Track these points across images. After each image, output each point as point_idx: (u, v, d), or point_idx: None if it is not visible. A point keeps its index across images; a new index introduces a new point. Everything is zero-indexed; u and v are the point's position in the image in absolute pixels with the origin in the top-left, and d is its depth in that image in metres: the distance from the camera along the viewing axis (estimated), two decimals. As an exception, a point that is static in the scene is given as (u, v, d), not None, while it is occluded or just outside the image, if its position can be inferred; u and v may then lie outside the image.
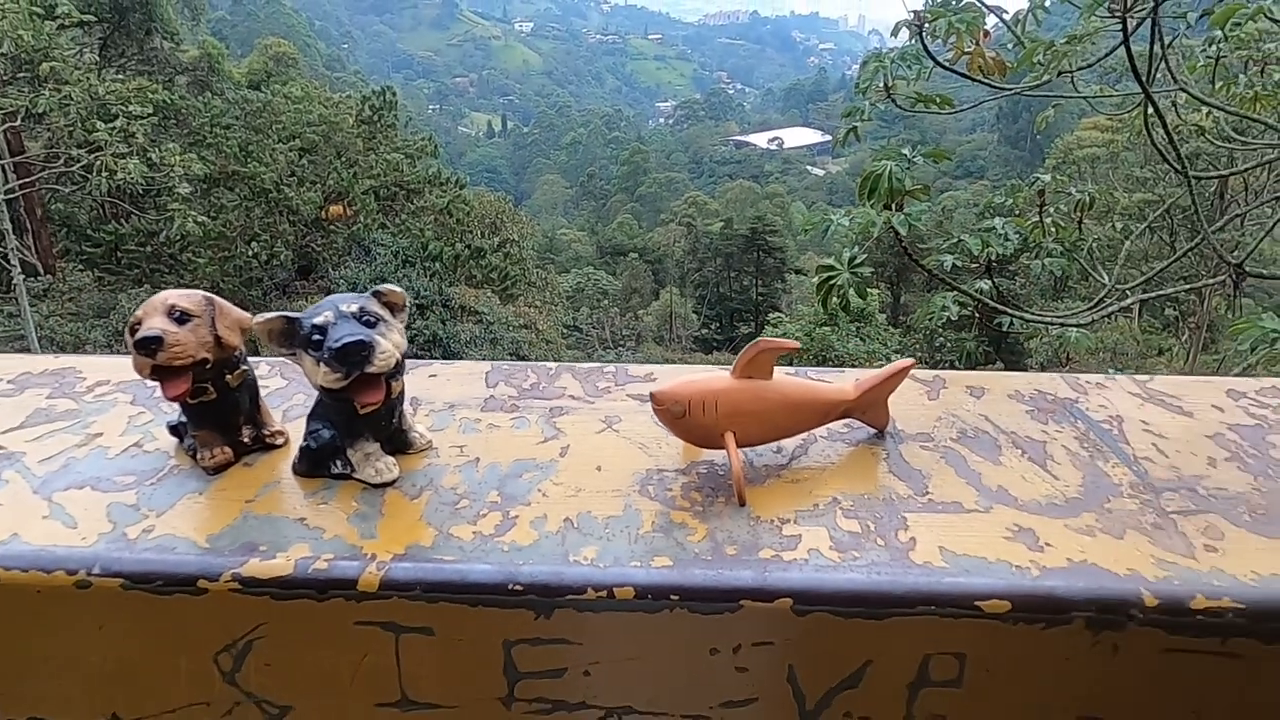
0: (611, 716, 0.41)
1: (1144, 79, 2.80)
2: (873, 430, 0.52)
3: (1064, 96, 3.48)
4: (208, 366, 0.45)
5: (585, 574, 0.40)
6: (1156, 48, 2.78)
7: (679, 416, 0.45)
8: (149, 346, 0.42)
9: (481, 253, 18.18)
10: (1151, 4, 2.65)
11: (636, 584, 0.40)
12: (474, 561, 0.41)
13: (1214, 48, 3.30)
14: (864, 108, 3.14)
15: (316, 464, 0.47)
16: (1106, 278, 3.82)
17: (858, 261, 2.84)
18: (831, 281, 2.83)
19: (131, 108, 12.53)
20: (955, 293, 3.31)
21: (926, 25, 2.87)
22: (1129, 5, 2.66)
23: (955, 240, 3.29)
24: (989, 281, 3.38)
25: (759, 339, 0.45)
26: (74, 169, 12.70)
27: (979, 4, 3.01)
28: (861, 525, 0.43)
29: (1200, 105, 3.60)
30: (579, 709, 0.41)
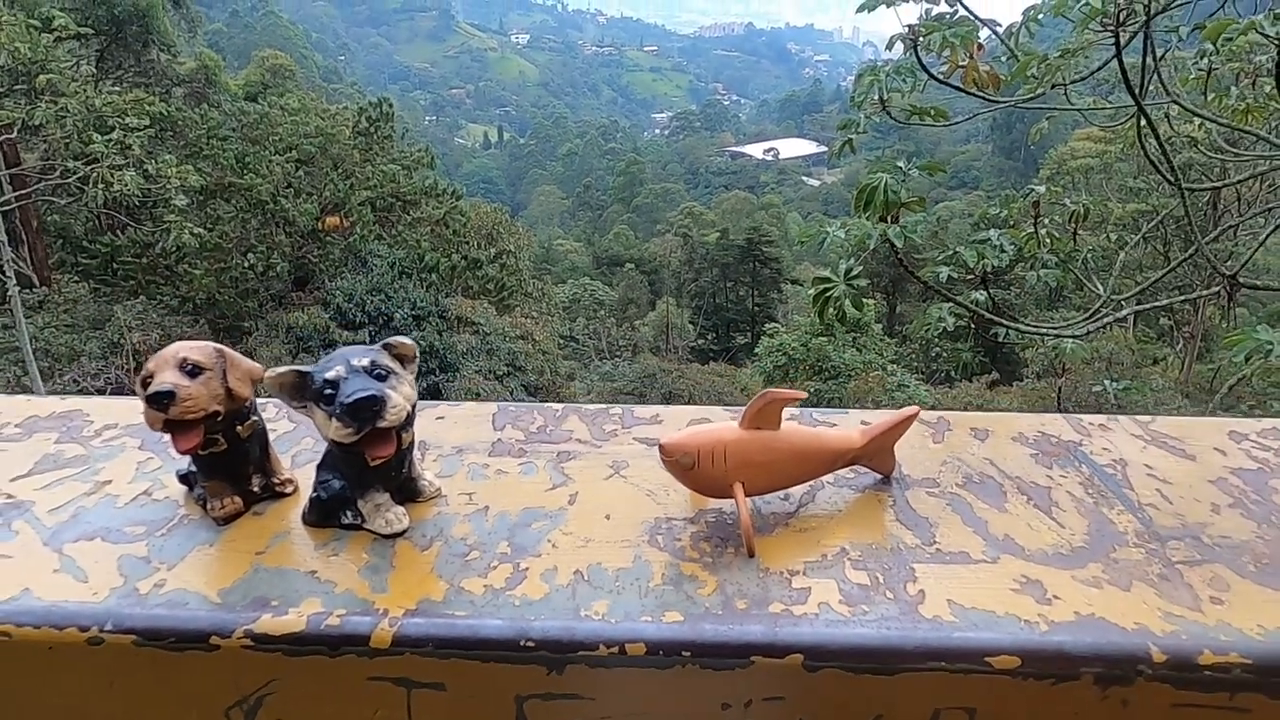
0: (623, 771, 0.41)
1: (1137, 91, 2.82)
2: (879, 476, 0.52)
3: (1058, 109, 3.50)
4: (219, 419, 0.45)
5: (596, 629, 0.40)
6: (1149, 60, 2.80)
7: (688, 468, 0.45)
8: (161, 402, 0.43)
9: (478, 264, 18.19)
10: (1144, 18, 2.67)
11: (648, 640, 0.40)
12: (485, 617, 0.41)
13: (1206, 60, 3.32)
14: (859, 120, 3.16)
15: (327, 515, 0.47)
16: (1101, 288, 3.84)
17: (854, 273, 2.85)
18: (828, 293, 2.83)
19: (128, 120, 12.53)
20: (951, 304, 3.32)
21: (921, 39, 2.89)
22: (1122, 19, 2.68)
23: (951, 252, 3.30)
24: (984, 292, 3.39)
25: (767, 390, 0.46)
26: (70, 181, 12.68)
27: (972, 17, 3.04)
28: (870, 577, 0.44)
29: (1193, 117, 3.63)
30: (590, 763, 0.41)
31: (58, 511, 0.48)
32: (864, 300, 3.03)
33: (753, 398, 0.47)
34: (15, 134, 12.63)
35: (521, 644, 0.40)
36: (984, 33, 3.13)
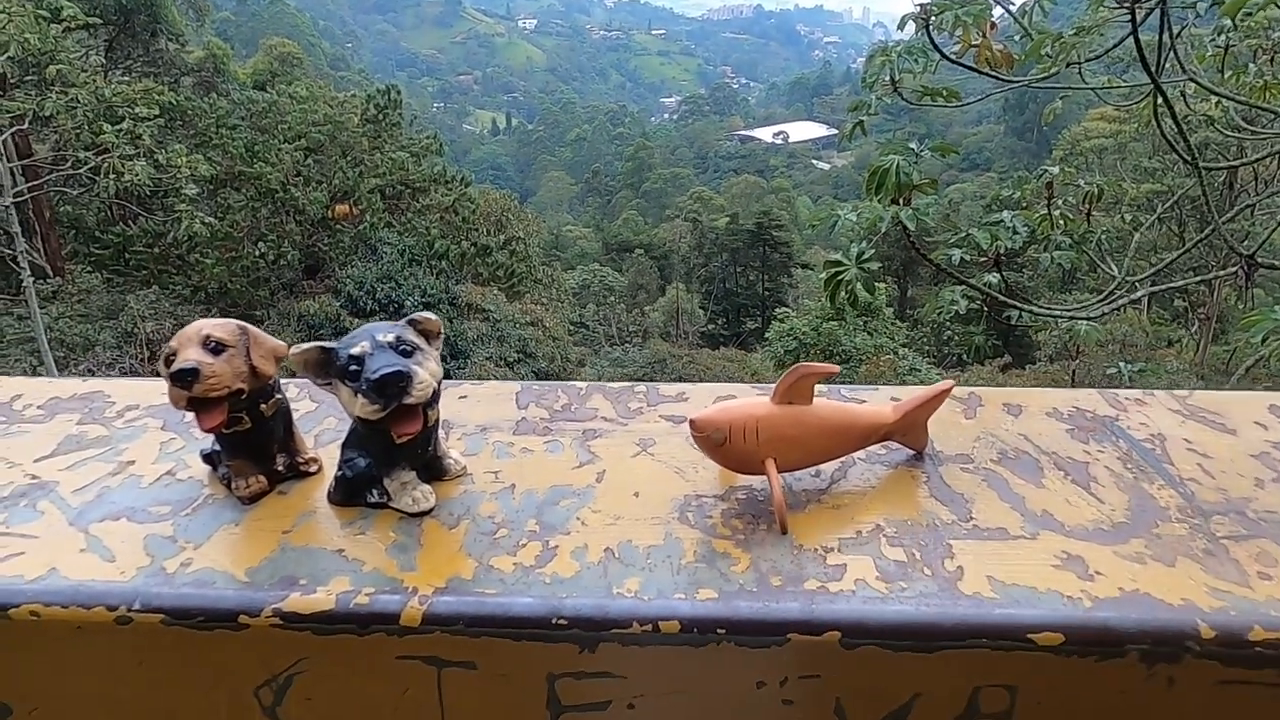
0: (656, 750, 0.41)
1: (1153, 69, 2.77)
2: (911, 452, 0.51)
3: (1072, 88, 3.45)
4: (243, 397, 0.44)
5: (629, 607, 0.40)
6: (1165, 37, 2.76)
7: (719, 444, 0.44)
8: (185, 379, 0.42)
9: (487, 250, 18.19)
10: (1160, -6, 2.62)
11: (682, 617, 0.39)
12: (516, 595, 0.40)
13: (1223, 37, 3.27)
14: (870, 102, 3.12)
15: (352, 493, 0.46)
16: (1116, 270, 3.80)
17: (865, 256, 2.82)
18: (839, 276, 2.81)
19: (138, 110, 12.56)
20: (963, 287, 3.29)
21: (933, 18, 2.85)
22: (1137, -5, 2.63)
23: (963, 234, 3.27)
24: (997, 275, 3.35)
25: (799, 364, 0.45)
26: (81, 171, 12.74)
27: (985, -5, 2.98)
28: (907, 554, 0.43)
29: (1209, 95, 3.57)
30: (623, 743, 0.40)
31: (82, 492, 0.48)
32: (875, 284, 3.00)
33: (784, 373, 0.46)
34: (27, 125, 12.67)
35: (554, 622, 0.39)
36: (997, 11, 3.09)
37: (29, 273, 12.41)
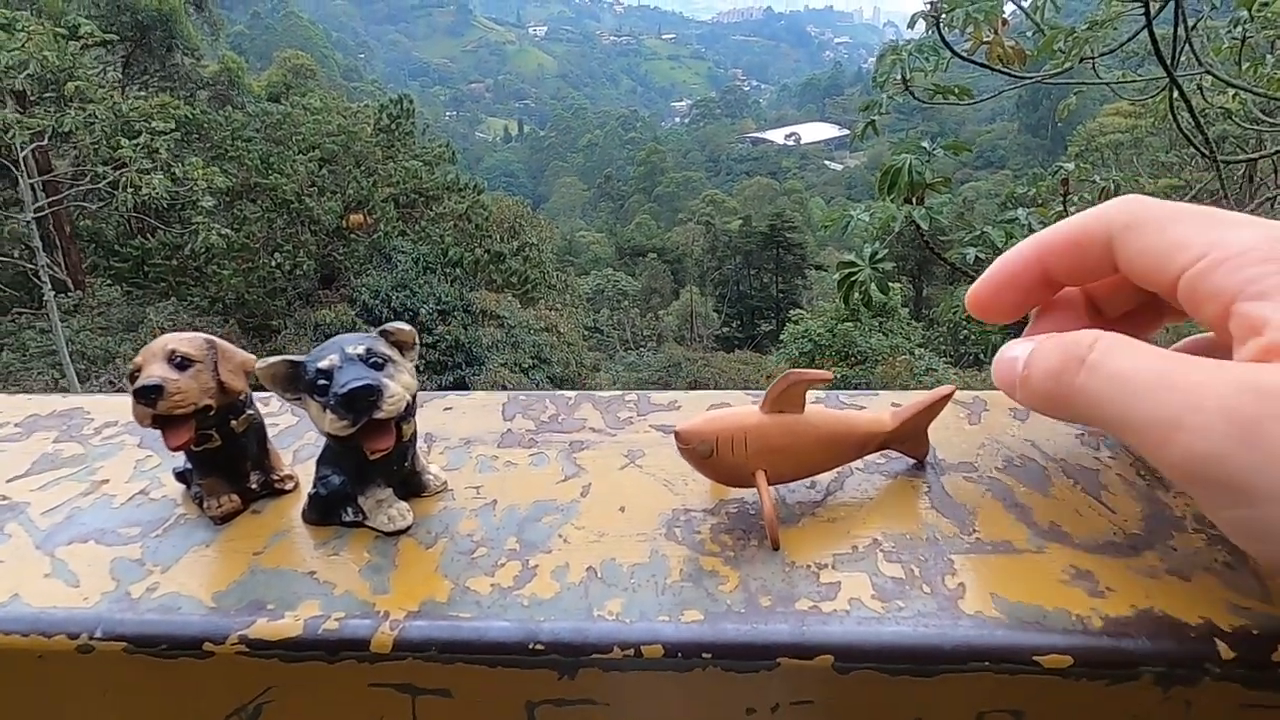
0: (642, 780, 0.39)
1: (1168, 62, 2.73)
2: (911, 461, 0.49)
3: (1086, 83, 3.41)
4: (211, 413, 0.43)
5: (610, 630, 0.38)
6: (1180, 30, 2.72)
7: (706, 456, 0.42)
8: (149, 396, 0.41)
9: (501, 257, 18.26)
10: (1174, -14, 2.58)
11: (665, 641, 0.37)
12: (492, 618, 0.38)
13: (1240, 29, 3.22)
14: (881, 101, 3.10)
15: (326, 512, 0.44)
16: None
17: (879, 257, 2.80)
18: (853, 277, 2.79)
19: (154, 124, 12.72)
20: (979, 286, 3.24)
21: (943, 16, 2.82)
22: (1151, -12, 2.59)
23: (978, 232, 3.24)
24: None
25: (790, 371, 0.43)
26: (100, 185, 12.92)
27: (996, -9, 2.95)
28: (905, 570, 0.40)
29: (1227, 87, 3.52)
30: (607, 772, 0.38)
31: (52, 513, 0.47)
32: (890, 284, 2.98)
33: (774, 380, 0.44)
34: (47, 141, 12.85)
35: (530, 647, 0.37)
36: (1009, 7, 3.06)
37: (50, 286, 12.57)
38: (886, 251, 2.77)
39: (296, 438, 0.54)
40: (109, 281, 14.83)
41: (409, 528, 0.44)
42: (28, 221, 11.77)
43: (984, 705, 0.37)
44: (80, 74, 12.16)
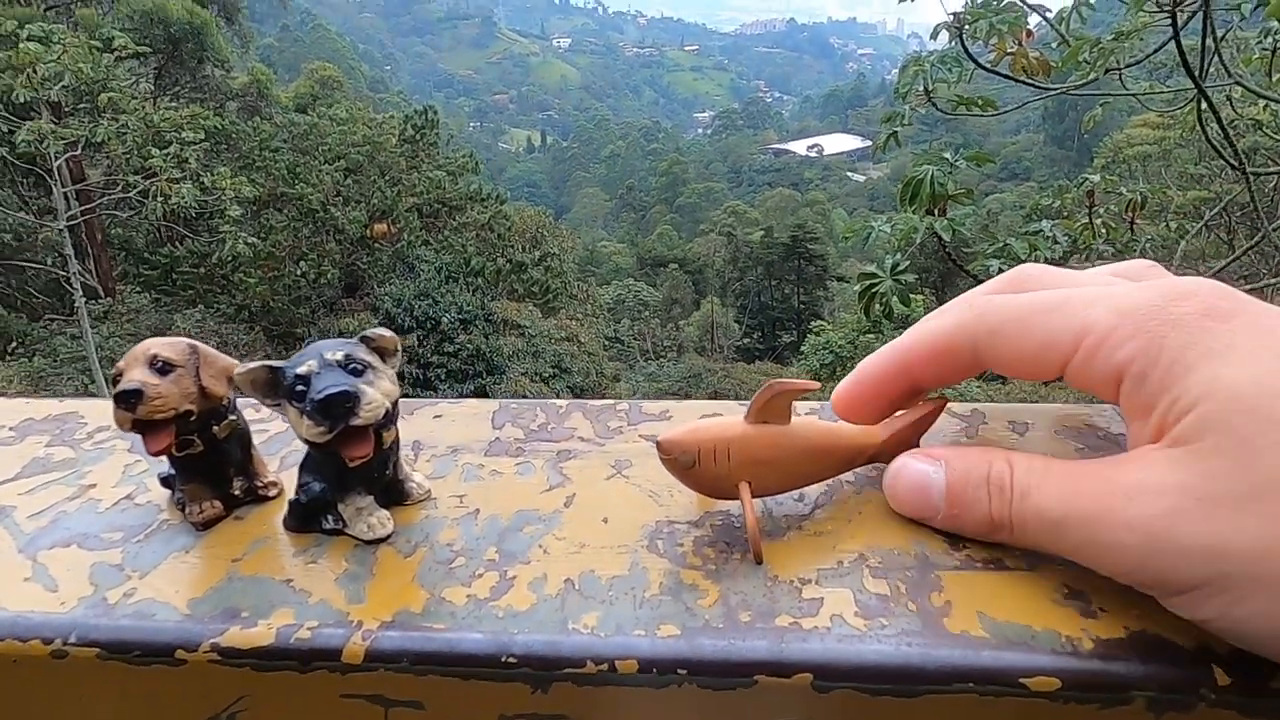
0: (616, 798, 0.38)
1: (1196, 74, 2.69)
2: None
3: (1112, 95, 3.36)
4: (192, 418, 0.43)
5: (585, 644, 0.37)
6: (1209, 41, 2.68)
7: (688, 467, 0.41)
8: (128, 400, 0.40)
9: (523, 267, 18.34)
10: (1202, -3, 2.55)
11: (640, 656, 0.36)
12: (465, 630, 0.38)
13: (1270, 39, 3.17)
14: (904, 113, 3.08)
15: (307, 519, 0.44)
16: (1163, 280, 3.67)
17: (900, 268, 2.77)
18: (874, 289, 2.76)
19: (185, 134, 12.93)
20: (1002, 298, 3.21)
21: (966, 27, 2.81)
22: (1178, -1, 2.56)
23: (1001, 244, 3.20)
24: (1038, 285, 3.27)
25: (773, 380, 0.42)
26: (131, 194, 13.13)
27: (1020, 3, 2.93)
28: (891, 586, 0.39)
29: (1257, 99, 3.46)
30: (581, 790, 0.38)
31: (38, 517, 0.47)
32: (912, 296, 2.96)
33: (758, 390, 0.43)
34: (80, 151, 13.10)
35: (503, 660, 0.36)
36: (1033, 18, 3.03)
37: (81, 293, 12.78)
38: (908, 263, 2.74)
39: (285, 444, 0.53)
40: (138, 289, 15.08)
41: (389, 536, 0.44)
42: (61, 230, 12.00)
43: (969, 728, 0.36)
44: (114, 85, 12.40)
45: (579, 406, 0.57)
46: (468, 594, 0.40)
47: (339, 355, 0.41)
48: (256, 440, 0.51)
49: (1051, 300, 0.35)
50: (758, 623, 0.38)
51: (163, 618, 0.39)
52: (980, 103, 2.93)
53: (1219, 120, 2.83)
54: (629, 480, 0.49)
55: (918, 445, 0.48)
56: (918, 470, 0.42)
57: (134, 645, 0.38)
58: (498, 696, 0.37)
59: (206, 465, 0.45)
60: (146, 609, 0.40)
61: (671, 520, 0.45)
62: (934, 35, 2.88)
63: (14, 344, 13.50)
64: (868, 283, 2.70)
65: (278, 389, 0.41)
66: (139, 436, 0.43)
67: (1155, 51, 3.13)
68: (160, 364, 0.42)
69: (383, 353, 0.43)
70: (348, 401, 0.39)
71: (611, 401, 0.57)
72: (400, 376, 0.44)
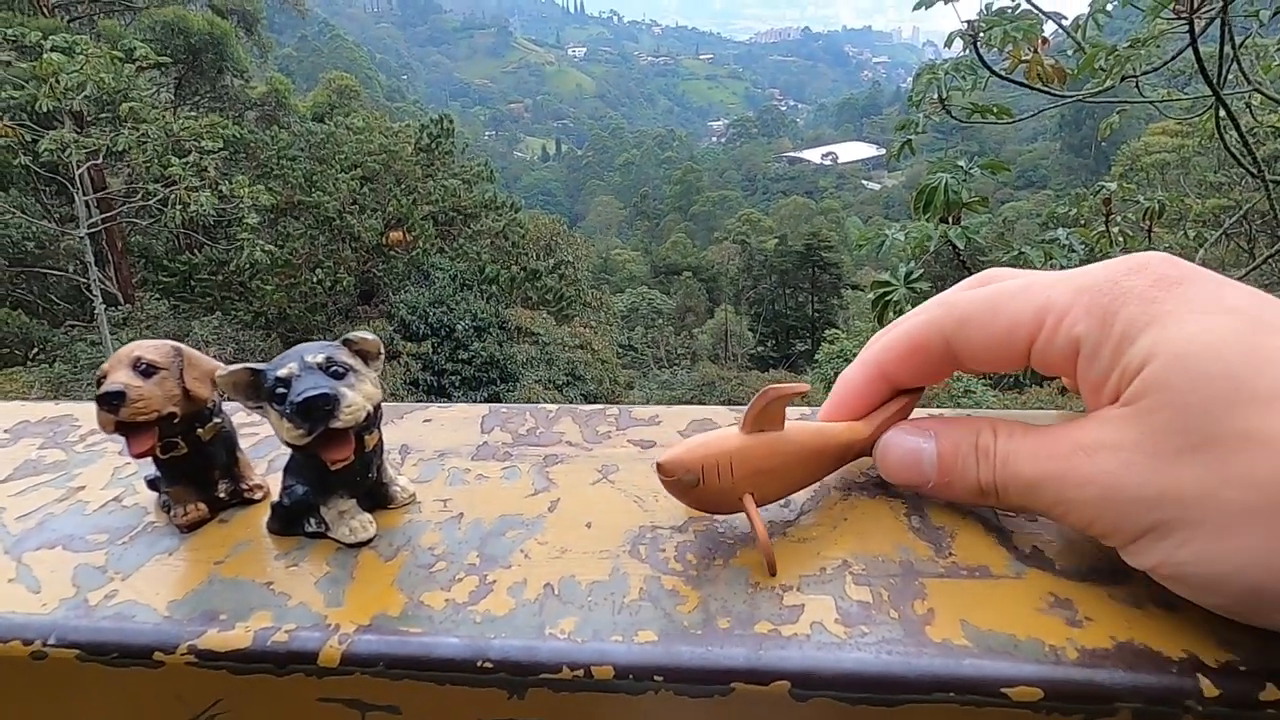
0: (593, 806, 0.37)
1: (1215, 81, 2.67)
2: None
3: (1129, 102, 3.34)
4: (176, 420, 0.43)
5: (561, 649, 0.36)
6: (1227, 48, 2.66)
7: (692, 486, 0.40)
8: (111, 402, 0.41)
9: (537, 274, 18.39)
10: (1220, 3, 2.53)
11: (616, 662, 0.36)
12: (442, 634, 0.37)
13: (1289, 45, 3.13)
14: (918, 120, 3.07)
15: (290, 522, 0.44)
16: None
17: (914, 276, 2.76)
18: (887, 297, 2.75)
19: (204, 143, 13.07)
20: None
21: (981, 35, 2.79)
22: (1196, 5, 2.54)
23: (1017, 253, 3.18)
24: (1054, 293, 3.25)
25: (767, 387, 0.41)
26: (151, 202, 13.27)
27: (1035, 10, 2.92)
28: (873, 593, 0.39)
29: (1277, 105, 3.42)
30: (558, 797, 0.37)
31: (25, 519, 0.47)
32: (925, 304, 2.92)
33: (754, 396, 0.42)
34: (101, 159, 13.26)
35: (479, 665, 0.36)
36: (1049, 26, 3.01)
37: (101, 300, 12.92)
38: (922, 271, 2.73)
39: (273, 447, 0.53)
40: (157, 295, 15.24)
41: (371, 540, 0.44)
42: (82, 237, 12.16)
43: (950, 738, 0.35)
44: (135, 95, 12.57)
45: (568, 411, 0.57)
46: (446, 598, 0.40)
47: (320, 358, 0.41)
48: (245, 443, 0.51)
49: (1016, 285, 0.36)
50: (736, 629, 0.37)
51: (141, 619, 0.39)
52: (995, 110, 2.92)
53: (1238, 127, 2.80)
54: (614, 485, 0.48)
55: None
56: (909, 441, 0.43)
57: (112, 647, 0.38)
58: (474, 701, 0.37)
59: (191, 468, 0.45)
60: (126, 611, 0.40)
61: (656, 525, 0.45)
62: (948, 43, 2.87)
63: (35, 350, 13.68)
64: (881, 291, 2.68)
65: (259, 391, 0.41)
66: (113, 434, 0.43)
67: (1173, 59, 3.10)
68: (144, 366, 0.42)
69: (365, 356, 0.43)
70: (327, 404, 0.39)
71: (601, 407, 0.56)
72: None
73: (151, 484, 0.48)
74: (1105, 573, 0.39)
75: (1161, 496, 0.31)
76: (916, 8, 3.09)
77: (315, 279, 15.44)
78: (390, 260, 16.34)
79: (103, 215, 13.27)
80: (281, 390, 0.40)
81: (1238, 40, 2.72)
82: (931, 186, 2.63)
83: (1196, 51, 2.60)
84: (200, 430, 0.45)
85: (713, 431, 0.43)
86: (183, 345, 0.44)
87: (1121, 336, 0.32)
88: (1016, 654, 0.35)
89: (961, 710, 0.34)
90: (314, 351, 0.41)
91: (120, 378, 0.41)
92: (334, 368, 0.41)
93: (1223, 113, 2.74)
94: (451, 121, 18.79)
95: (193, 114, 14.40)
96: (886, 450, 0.44)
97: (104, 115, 12.87)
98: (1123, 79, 2.95)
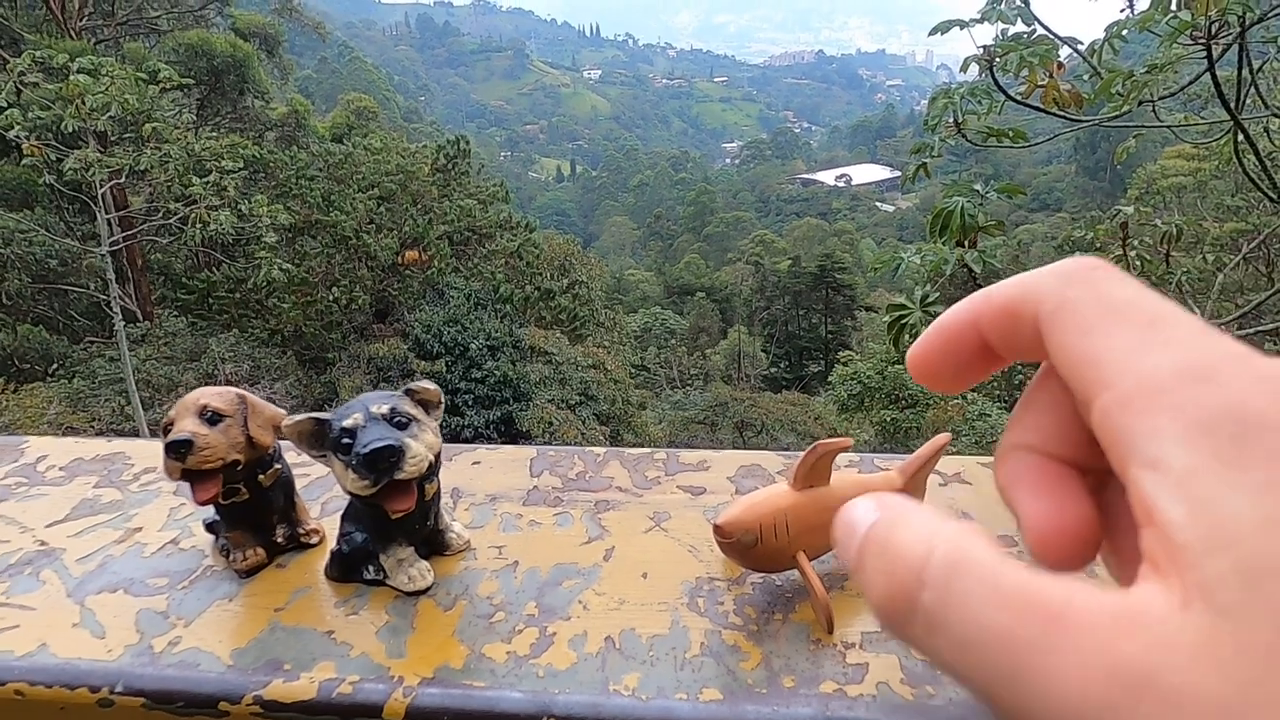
0: None
1: (1232, 105, 2.66)
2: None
3: (1145, 126, 3.33)
4: (239, 467, 0.43)
5: (626, 706, 0.36)
6: (1245, 73, 2.66)
7: (750, 546, 0.40)
8: (179, 451, 0.41)
9: (551, 294, 18.46)
10: (1239, 29, 2.53)
11: (682, 721, 0.36)
12: (505, 688, 0.38)
13: (1309, 71, 3.13)
14: (933, 144, 3.07)
15: (349, 569, 0.44)
16: (1199, 312, 3.62)
17: (930, 300, 2.75)
18: (903, 320, 2.74)
19: (224, 163, 13.23)
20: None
21: (997, 60, 2.80)
22: (1214, 32, 2.54)
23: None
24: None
25: (816, 443, 0.41)
26: (171, 221, 13.42)
27: (1051, 36, 2.92)
28: (937, 653, 0.38)
29: (1295, 130, 3.40)
30: None
31: (85, 560, 0.47)
32: (941, 327, 2.91)
33: (801, 453, 0.42)
34: (124, 178, 13.45)
35: (544, 720, 0.36)
36: (1064, 51, 3.02)
37: (120, 317, 13.07)
38: (938, 294, 2.72)
39: (325, 489, 0.54)
40: (175, 313, 15.39)
41: (429, 588, 0.44)
42: (104, 255, 12.32)
43: (1020, 805, 0.35)
44: (158, 116, 12.76)
45: (616, 455, 0.57)
46: (508, 650, 0.40)
47: (384, 409, 0.41)
48: (297, 485, 0.51)
49: (1129, 311, 0.25)
50: (801, 688, 0.37)
51: (206, 668, 0.40)
52: (1011, 134, 2.92)
53: (1256, 152, 2.80)
54: (667, 534, 0.48)
55: (925, 484, 0.47)
56: (852, 514, 0.31)
57: (179, 696, 0.39)
58: (538, 758, 0.37)
59: (251, 513, 0.45)
60: (191, 659, 0.40)
61: (712, 577, 0.45)
62: (964, 68, 2.88)
63: (55, 366, 13.82)
64: (897, 314, 2.68)
65: (324, 440, 0.42)
66: (180, 481, 0.44)
67: (1190, 84, 3.10)
68: (210, 414, 0.43)
69: (426, 405, 0.44)
70: (393, 456, 0.40)
71: (649, 450, 0.57)
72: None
73: (210, 528, 0.48)
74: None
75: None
76: (933, 33, 3.11)
77: (331, 297, 15.56)
78: (405, 279, 16.45)
79: (124, 233, 13.44)
80: (346, 440, 0.41)
81: (1256, 65, 2.72)
82: (948, 210, 2.63)
83: (1214, 76, 2.60)
84: (261, 476, 0.45)
85: (764, 490, 0.43)
86: (246, 392, 0.45)
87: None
88: None
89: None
90: (378, 401, 0.42)
91: (187, 426, 0.42)
92: (398, 418, 0.41)
93: (1241, 137, 2.74)
94: (468, 142, 18.98)
95: (214, 134, 14.60)
96: (839, 515, 0.33)
97: (127, 135, 13.08)
98: (1140, 103, 2.95)
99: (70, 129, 11.48)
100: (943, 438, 0.46)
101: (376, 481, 0.40)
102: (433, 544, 0.46)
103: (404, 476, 0.40)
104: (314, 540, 0.48)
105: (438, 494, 0.45)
